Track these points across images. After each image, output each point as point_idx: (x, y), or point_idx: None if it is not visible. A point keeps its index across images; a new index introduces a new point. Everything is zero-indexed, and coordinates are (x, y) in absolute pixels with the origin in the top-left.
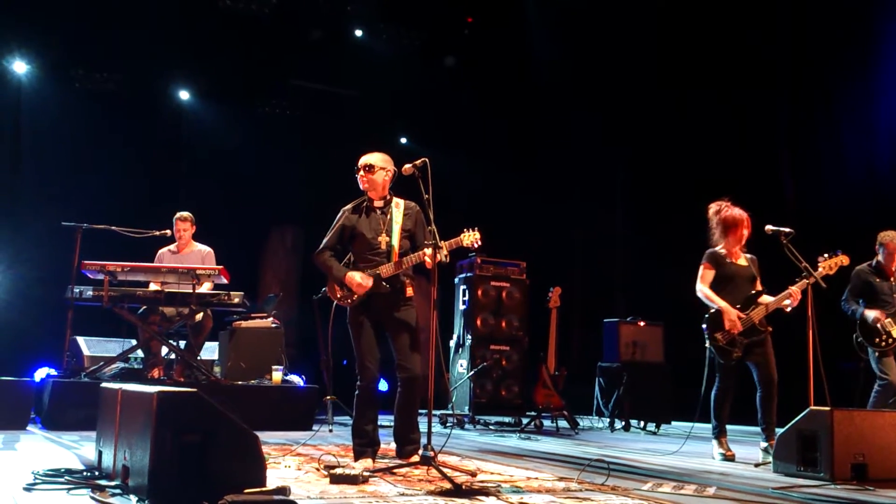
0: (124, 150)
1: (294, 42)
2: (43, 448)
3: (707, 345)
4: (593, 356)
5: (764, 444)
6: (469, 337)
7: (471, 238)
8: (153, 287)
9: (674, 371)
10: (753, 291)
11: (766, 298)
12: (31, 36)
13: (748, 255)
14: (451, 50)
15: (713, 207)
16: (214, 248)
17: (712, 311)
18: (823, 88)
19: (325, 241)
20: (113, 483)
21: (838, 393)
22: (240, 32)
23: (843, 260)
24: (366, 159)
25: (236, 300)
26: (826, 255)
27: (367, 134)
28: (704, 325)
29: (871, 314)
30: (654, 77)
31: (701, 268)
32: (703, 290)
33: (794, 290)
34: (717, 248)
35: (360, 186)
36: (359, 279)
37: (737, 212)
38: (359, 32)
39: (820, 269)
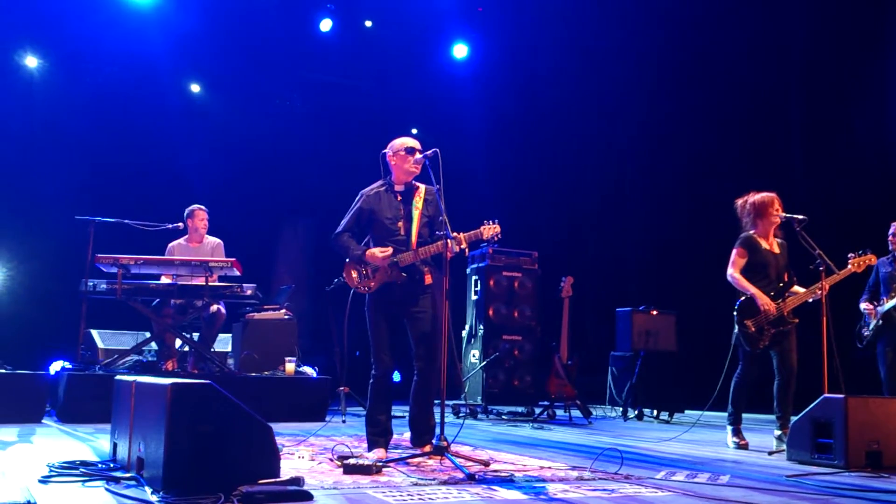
0: (136, 143)
1: (304, 34)
2: (58, 441)
3: (735, 331)
4: (606, 345)
5: (778, 433)
6: (481, 327)
7: (491, 231)
8: (164, 280)
9: (687, 359)
10: (785, 282)
11: (797, 289)
12: (42, 30)
13: (780, 241)
14: (461, 39)
15: (739, 201)
16: (226, 241)
17: (745, 297)
18: (836, 74)
19: (342, 223)
20: (128, 475)
21: (852, 380)
22: (250, 25)
23: (872, 259)
24: (416, 142)
25: (249, 292)
26: (857, 254)
27: (378, 125)
28: (735, 311)
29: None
30: (661, 65)
31: (734, 253)
32: (734, 275)
33: (826, 284)
34: (752, 233)
35: (410, 169)
36: (379, 252)
37: (765, 193)
38: (369, 23)
39: (849, 266)
